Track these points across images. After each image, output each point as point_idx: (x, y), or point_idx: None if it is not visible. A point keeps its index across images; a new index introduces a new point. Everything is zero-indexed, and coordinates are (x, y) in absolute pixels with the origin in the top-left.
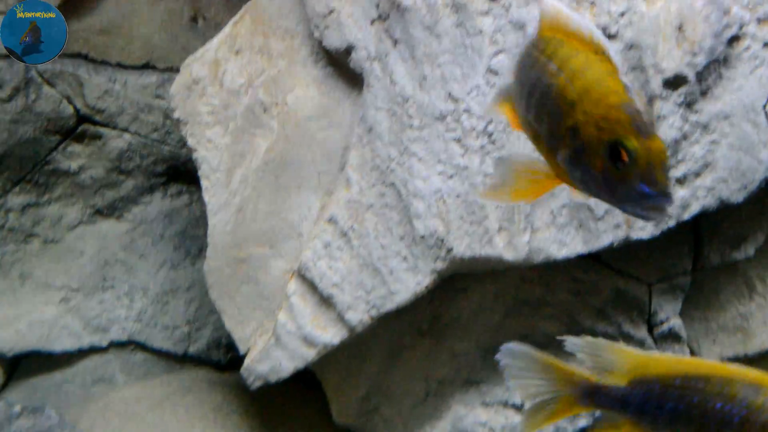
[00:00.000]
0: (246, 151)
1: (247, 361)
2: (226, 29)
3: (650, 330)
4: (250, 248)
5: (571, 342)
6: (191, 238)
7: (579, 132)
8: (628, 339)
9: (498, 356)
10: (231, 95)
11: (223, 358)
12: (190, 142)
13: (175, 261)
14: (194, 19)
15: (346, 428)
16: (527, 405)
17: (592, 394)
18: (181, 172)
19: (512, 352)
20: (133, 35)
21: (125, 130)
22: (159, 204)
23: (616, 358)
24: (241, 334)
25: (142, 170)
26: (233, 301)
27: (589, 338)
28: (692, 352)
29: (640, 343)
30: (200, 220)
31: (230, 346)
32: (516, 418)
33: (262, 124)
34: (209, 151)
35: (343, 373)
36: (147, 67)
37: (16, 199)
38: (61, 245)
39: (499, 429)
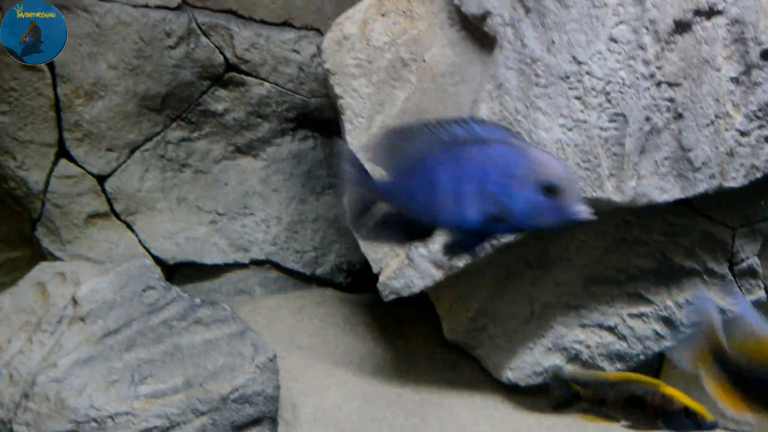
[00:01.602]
0: (386, 100)
1: (382, 278)
2: None
3: (731, 267)
4: None
5: None
6: (315, 178)
7: None
8: (712, 274)
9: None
10: (376, 51)
11: (344, 281)
12: (337, 90)
13: (302, 196)
14: None
15: (455, 343)
16: None
17: None
18: (308, 119)
19: None
20: None
21: (265, 79)
22: (289, 146)
23: None
24: (374, 256)
25: (277, 115)
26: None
27: None
28: (766, 289)
29: (722, 278)
30: (323, 162)
31: (350, 271)
32: (609, 337)
33: (402, 78)
34: (354, 99)
35: (456, 296)
36: (286, 24)
37: (173, 133)
38: (209, 176)
39: (594, 346)
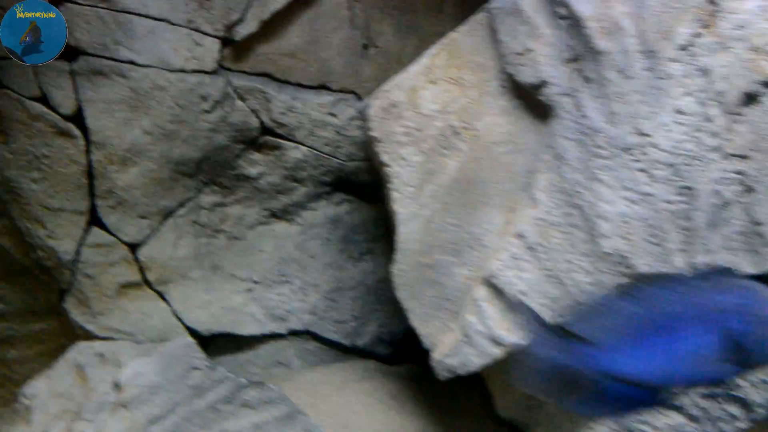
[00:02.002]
0: (436, 169)
1: (436, 356)
2: (424, 61)
3: None
4: (437, 256)
5: None
6: (353, 243)
7: None
8: None
9: None
10: (425, 119)
11: (386, 352)
12: (384, 158)
13: (340, 262)
14: (366, 47)
15: (510, 421)
16: None
17: None
18: (344, 183)
19: None
20: (313, 59)
21: (301, 143)
22: (324, 210)
23: None
24: (425, 330)
25: (313, 179)
26: (419, 301)
27: None
28: None
29: None
30: (359, 227)
31: (392, 341)
32: (679, 419)
33: (452, 146)
34: (402, 167)
35: (510, 370)
36: (322, 87)
37: (207, 198)
38: (244, 242)
39: (663, 428)
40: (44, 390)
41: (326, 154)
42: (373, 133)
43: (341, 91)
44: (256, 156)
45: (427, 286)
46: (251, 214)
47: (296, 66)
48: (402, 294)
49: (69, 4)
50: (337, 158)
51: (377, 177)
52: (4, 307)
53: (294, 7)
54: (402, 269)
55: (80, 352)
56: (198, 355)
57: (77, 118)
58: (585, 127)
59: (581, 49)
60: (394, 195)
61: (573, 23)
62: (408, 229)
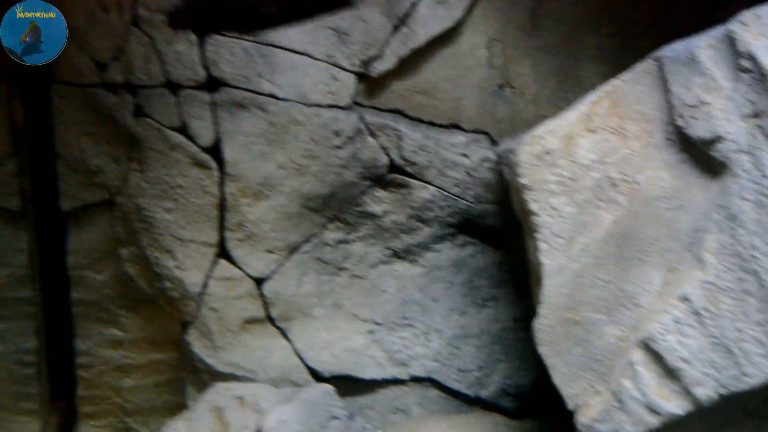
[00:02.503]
0: (589, 221)
1: (584, 419)
2: (582, 108)
3: None
4: (585, 312)
5: None
6: (476, 288)
7: None
8: None
9: None
10: (581, 169)
11: (510, 405)
12: (533, 206)
13: (463, 308)
14: (501, 87)
15: None
16: None
17: None
18: (470, 225)
19: None
20: (447, 98)
21: (430, 182)
22: (448, 252)
23: None
24: (570, 390)
25: (438, 220)
26: (563, 359)
27: None
28: None
29: None
30: (484, 272)
31: (518, 395)
32: None
33: (609, 199)
34: (552, 217)
35: None
36: (455, 127)
37: (331, 235)
38: (366, 281)
39: None
40: None
41: (455, 195)
42: (522, 180)
43: (474, 131)
44: (382, 194)
45: (573, 343)
46: (374, 252)
47: (429, 104)
48: (545, 350)
49: (215, 36)
50: (465, 200)
51: (509, 222)
52: (123, 335)
53: (433, 44)
54: (546, 324)
55: (219, 393)
56: (337, 404)
57: (214, 149)
58: (765, 188)
59: (764, 105)
60: (542, 246)
61: (758, 77)
62: (555, 282)
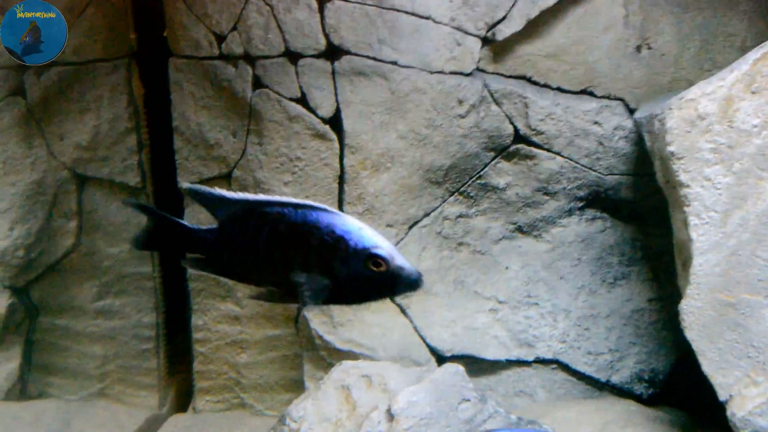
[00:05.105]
0: (749, 193)
1: (737, 411)
2: (743, 67)
3: None
4: (742, 294)
5: None
6: (606, 265)
7: None
8: None
9: None
10: (741, 135)
11: (644, 392)
12: (682, 177)
13: (592, 286)
14: (638, 49)
15: None
16: None
17: None
18: (600, 199)
19: None
20: (578, 61)
21: (558, 153)
22: (575, 227)
23: None
24: (721, 380)
25: (566, 193)
26: (715, 344)
27: None
28: None
29: None
30: (614, 248)
31: (652, 380)
32: None
33: None
34: (705, 189)
35: None
36: (585, 93)
37: (451, 208)
38: (488, 257)
39: None
40: (311, 413)
41: (584, 166)
42: (670, 148)
43: (607, 97)
44: (505, 165)
45: (726, 328)
46: (496, 227)
47: (558, 68)
48: (693, 334)
49: (337, 1)
50: (596, 171)
51: (645, 196)
52: (239, 311)
53: (564, 3)
54: (695, 306)
55: (346, 372)
56: (468, 385)
57: (333, 120)
58: None
59: None
60: (692, 220)
61: None
62: (706, 260)
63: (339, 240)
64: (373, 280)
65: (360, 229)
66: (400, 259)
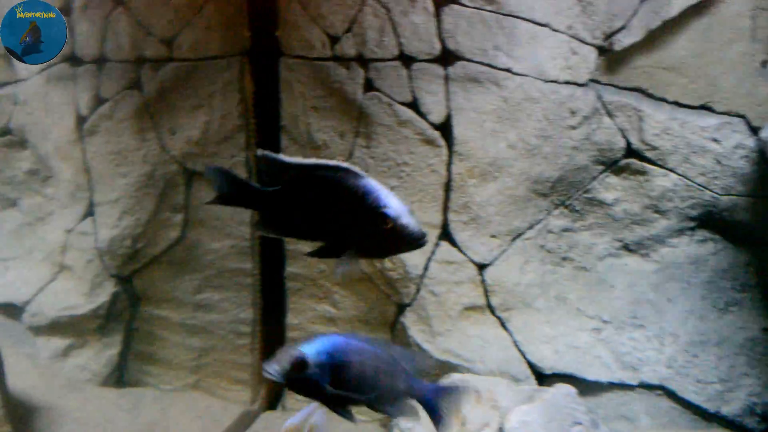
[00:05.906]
0: None
1: None
2: None
3: None
4: None
5: None
6: (718, 290)
7: None
8: None
9: None
10: None
11: (756, 427)
12: None
13: (702, 311)
14: (765, 64)
15: None
16: None
17: None
18: (713, 220)
19: None
20: (698, 75)
21: (672, 170)
22: (685, 248)
23: None
24: None
25: (677, 212)
26: None
27: None
28: None
29: None
30: (727, 272)
31: (766, 415)
32: None
33: None
34: None
35: None
36: (704, 108)
37: (555, 222)
38: (592, 274)
39: None
40: (420, 425)
41: (699, 185)
42: None
43: (727, 113)
44: (614, 180)
45: None
46: (601, 243)
47: (677, 82)
48: None
49: (454, 6)
50: (712, 191)
51: (763, 219)
52: (335, 312)
53: (687, 14)
54: None
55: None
56: (580, 408)
57: (443, 126)
58: None
59: None
60: None
61: None
62: None
63: (362, 198)
64: (384, 236)
65: (378, 190)
66: (407, 219)
